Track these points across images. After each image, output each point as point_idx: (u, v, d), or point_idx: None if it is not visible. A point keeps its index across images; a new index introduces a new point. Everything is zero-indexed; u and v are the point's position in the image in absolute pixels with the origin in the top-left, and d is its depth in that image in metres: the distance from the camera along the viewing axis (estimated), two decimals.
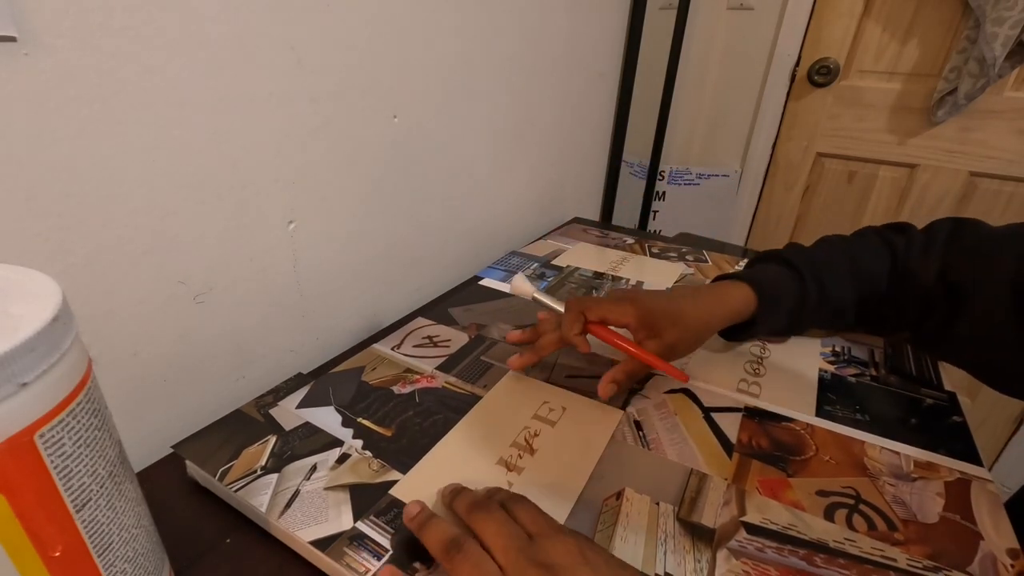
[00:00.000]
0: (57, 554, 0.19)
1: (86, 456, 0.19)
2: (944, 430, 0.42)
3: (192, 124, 0.36)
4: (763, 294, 0.46)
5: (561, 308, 0.44)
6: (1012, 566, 0.31)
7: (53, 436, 0.18)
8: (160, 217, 0.36)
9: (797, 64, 1.21)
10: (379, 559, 0.29)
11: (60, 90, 0.30)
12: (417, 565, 0.29)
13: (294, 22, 0.41)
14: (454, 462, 0.36)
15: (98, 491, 0.20)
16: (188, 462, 0.36)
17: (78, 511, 0.19)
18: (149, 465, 0.38)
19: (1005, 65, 0.98)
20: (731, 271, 0.49)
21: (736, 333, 0.48)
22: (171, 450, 0.36)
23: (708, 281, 0.52)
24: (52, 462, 0.18)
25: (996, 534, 0.33)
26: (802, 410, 0.43)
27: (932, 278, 0.44)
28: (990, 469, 1.31)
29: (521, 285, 0.48)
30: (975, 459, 0.39)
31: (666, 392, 0.45)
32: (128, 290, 0.36)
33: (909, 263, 0.45)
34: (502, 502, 0.30)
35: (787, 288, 0.47)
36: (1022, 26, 0.93)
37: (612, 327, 0.43)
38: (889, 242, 0.47)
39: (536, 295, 0.47)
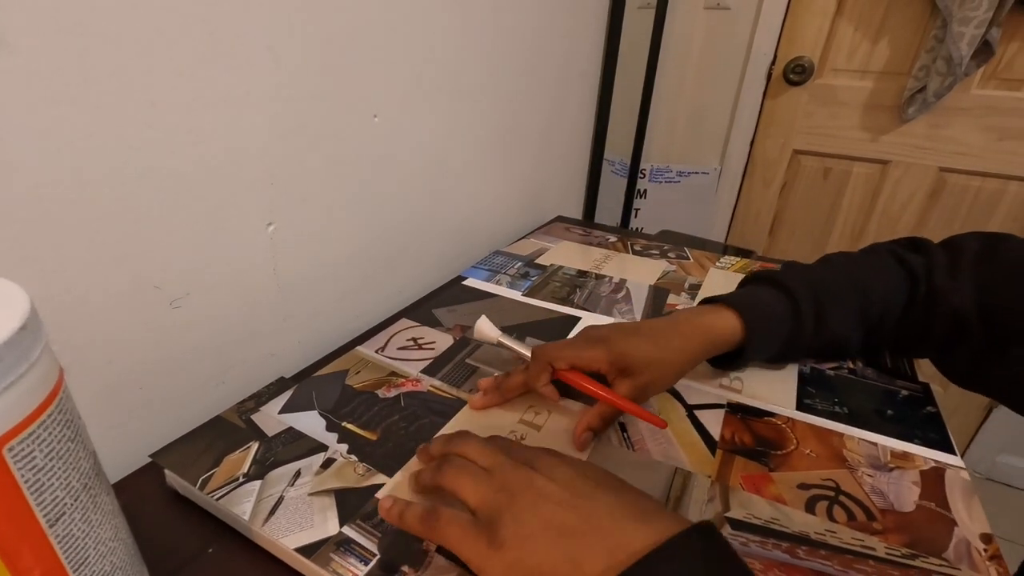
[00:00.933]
0: (30, 571, 0.18)
1: (59, 469, 0.19)
2: (919, 421, 0.43)
3: (166, 125, 0.35)
4: (751, 323, 0.42)
5: (527, 353, 0.42)
6: (985, 550, 0.32)
7: (23, 449, 0.17)
8: (133, 220, 0.35)
9: (773, 63, 1.23)
10: (366, 563, 0.29)
11: (27, 90, 0.29)
12: (405, 569, 0.29)
13: (271, 21, 0.40)
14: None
15: (72, 504, 0.19)
16: (167, 471, 0.35)
17: (51, 526, 0.18)
18: (126, 475, 0.37)
19: (971, 64, 1.01)
20: (719, 294, 0.45)
21: (723, 362, 0.45)
22: (149, 459, 0.36)
23: (690, 303, 0.52)
24: (22, 476, 0.17)
25: (970, 520, 0.34)
26: (783, 404, 0.44)
27: (967, 302, 0.40)
28: (962, 455, 1.36)
29: (485, 330, 0.45)
30: (949, 448, 0.40)
31: None
32: (101, 296, 0.35)
33: (934, 284, 0.42)
34: (457, 454, 0.31)
35: (779, 316, 0.43)
36: (987, 26, 0.96)
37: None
38: (904, 261, 0.44)
39: (501, 339, 0.44)
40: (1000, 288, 0.39)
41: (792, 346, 0.44)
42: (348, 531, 0.31)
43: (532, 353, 0.42)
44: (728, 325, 0.42)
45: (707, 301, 0.46)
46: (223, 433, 0.38)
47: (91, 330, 0.35)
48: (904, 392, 0.46)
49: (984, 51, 1.01)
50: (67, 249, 0.32)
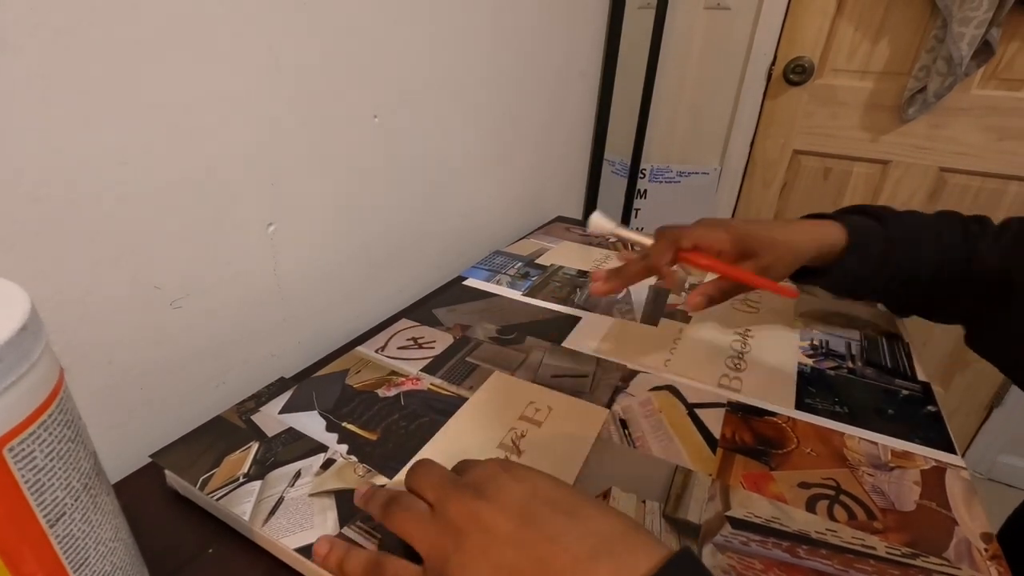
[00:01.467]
0: (31, 572, 0.18)
1: (59, 469, 0.19)
2: (919, 420, 0.43)
3: (166, 125, 0.35)
4: (853, 236, 0.45)
5: (648, 241, 0.44)
6: (986, 550, 0.32)
7: (23, 449, 0.17)
8: (133, 221, 0.35)
9: (773, 63, 1.23)
10: None
11: (26, 91, 0.29)
12: None
13: (271, 22, 0.40)
14: (441, 464, 0.36)
15: (72, 505, 0.19)
16: (167, 471, 0.35)
17: (51, 526, 0.19)
18: (127, 476, 0.37)
19: (971, 64, 1.01)
20: (817, 212, 0.48)
21: (810, 277, 0.48)
22: (149, 460, 0.36)
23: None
24: (23, 476, 0.17)
25: (970, 520, 0.34)
26: (783, 404, 0.44)
27: (993, 266, 0.43)
28: (963, 455, 1.36)
29: (600, 222, 0.46)
30: (949, 447, 0.40)
31: (651, 390, 0.45)
32: (100, 297, 0.35)
33: (977, 247, 0.45)
34: (408, 487, 0.28)
35: (875, 238, 0.45)
36: (987, 26, 0.96)
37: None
38: (966, 226, 0.47)
39: (618, 231, 0.45)
40: (1019, 258, 0.41)
41: (880, 270, 0.46)
42: (348, 532, 0.31)
43: (656, 233, 0.43)
44: (835, 233, 0.45)
45: (808, 217, 0.49)
46: (223, 433, 0.38)
47: (91, 330, 0.35)
48: (904, 392, 0.46)
49: (984, 51, 1.01)
50: (67, 249, 0.32)
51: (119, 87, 0.32)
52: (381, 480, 0.35)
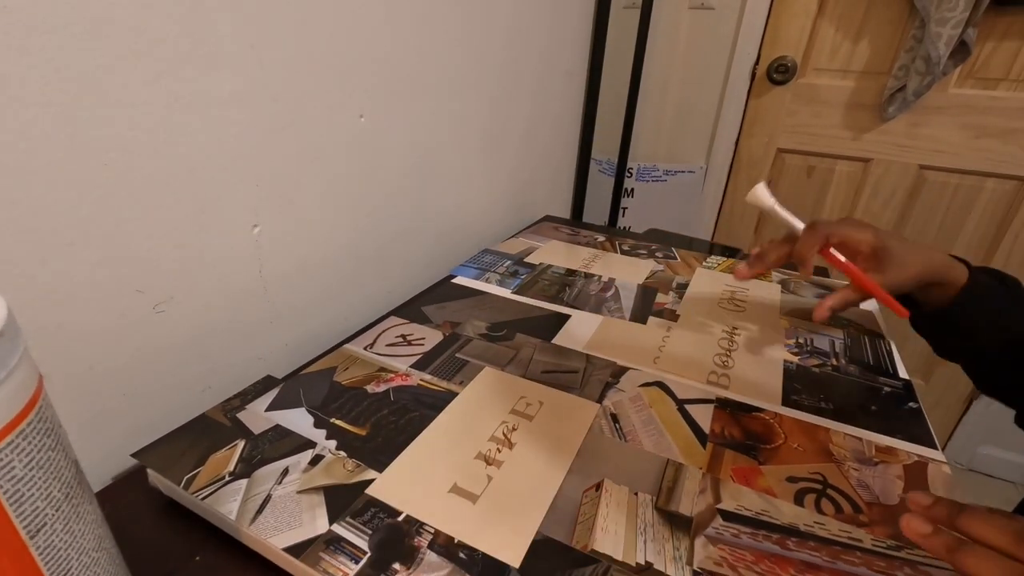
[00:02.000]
0: None
1: (39, 479, 0.18)
2: (902, 416, 0.43)
3: (146, 126, 0.35)
4: (974, 279, 0.44)
5: (800, 224, 0.47)
6: None
7: (1, 459, 0.17)
8: (114, 224, 0.35)
9: (757, 62, 1.24)
10: (357, 562, 0.29)
11: (1, 92, 0.28)
12: (396, 567, 0.29)
13: (254, 20, 0.39)
14: (432, 458, 0.36)
15: (54, 515, 0.19)
16: (150, 471, 0.34)
17: (32, 537, 0.18)
18: (110, 484, 0.36)
19: (949, 63, 1.03)
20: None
21: (921, 315, 0.48)
22: (133, 468, 0.35)
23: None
24: (1, 487, 0.17)
25: None
26: (770, 400, 0.44)
27: None
28: (944, 447, 1.38)
29: (762, 195, 0.49)
30: (930, 443, 0.41)
31: (641, 386, 0.45)
32: (81, 301, 0.34)
33: None
34: (975, 537, 0.27)
35: (996, 292, 0.44)
36: (963, 26, 0.98)
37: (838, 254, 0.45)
38: None
39: (777, 208, 0.48)
40: None
41: (993, 327, 0.44)
42: (338, 529, 0.31)
43: (809, 223, 0.46)
44: (958, 270, 0.45)
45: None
46: (208, 432, 0.37)
47: (72, 336, 0.34)
48: (887, 388, 0.47)
49: (961, 51, 1.03)
50: (46, 253, 0.32)
51: (98, 88, 0.32)
52: (371, 475, 0.34)
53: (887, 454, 0.39)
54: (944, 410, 1.40)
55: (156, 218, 0.37)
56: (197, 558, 0.31)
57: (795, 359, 0.50)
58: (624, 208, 1.33)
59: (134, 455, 0.35)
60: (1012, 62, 1.06)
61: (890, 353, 0.52)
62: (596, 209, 1.27)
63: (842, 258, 0.45)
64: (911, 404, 0.45)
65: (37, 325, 0.32)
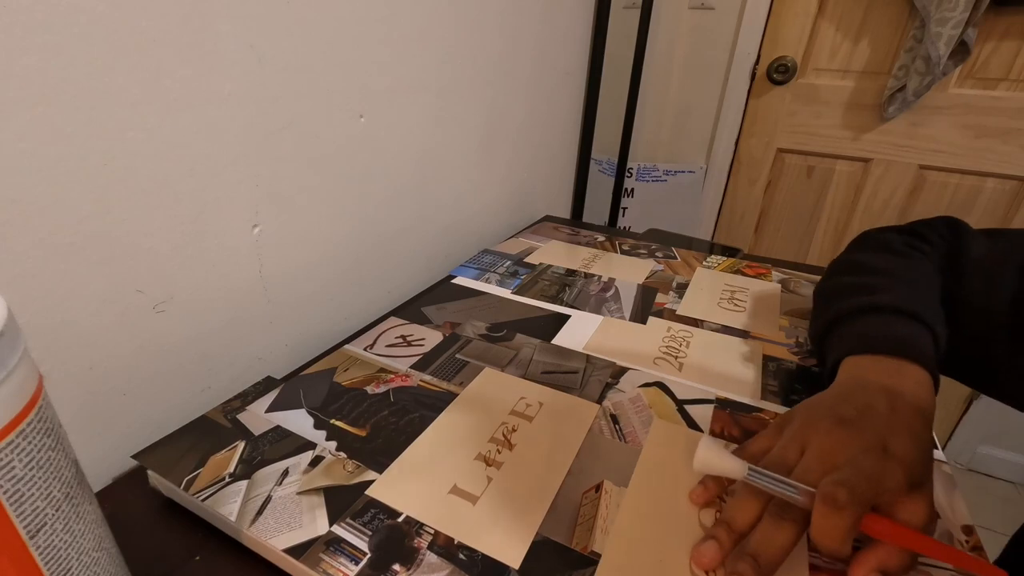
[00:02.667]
0: None
1: (39, 479, 0.18)
2: None
3: (146, 126, 0.35)
4: (933, 373, 0.35)
5: (811, 489, 0.28)
6: (967, 542, 0.32)
7: (1, 459, 0.17)
8: (114, 224, 0.35)
9: (757, 62, 1.24)
10: (357, 563, 0.29)
11: (0, 91, 0.28)
12: (396, 567, 0.29)
13: (253, 19, 0.39)
14: (432, 459, 0.36)
15: (54, 515, 0.19)
16: (150, 472, 0.34)
17: (32, 537, 0.18)
18: (110, 484, 0.36)
19: (949, 63, 1.04)
20: (868, 336, 0.38)
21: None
22: (133, 468, 0.35)
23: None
24: (1, 487, 0.17)
25: (952, 513, 0.34)
26: (770, 400, 0.44)
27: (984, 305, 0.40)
28: (944, 447, 1.38)
29: (710, 460, 0.32)
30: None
31: (640, 386, 0.45)
32: (81, 301, 0.34)
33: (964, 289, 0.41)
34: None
35: (931, 352, 0.36)
36: (963, 26, 0.99)
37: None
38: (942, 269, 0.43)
39: (750, 476, 0.30)
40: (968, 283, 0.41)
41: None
42: (338, 530, 0.31)
43: (835, 492, 0.26)
44: (927, 385, 0.34)
45: (892, 354, 0.36)
46: (208, 433, 0.37)
47: (71, 336, 0.34)
48: None
49: (961, 51, 1.03)
50: (46, 253, 0.32)
51: (98, 87, 0.32)
52: (371, 476, 0.34)
53: None
54: (944, 410, 1.40)
55: (156, 218, 0.37)
56: (197, 558, 0.31)
57: (795, 359, 0.50)
58: (624, 208, 1.34)
59: (134, 456, 0.35)
60: (1012, 62, 1.06)
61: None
62: (596, 209, 1.27)
63: (886, 527, 0.27)
64: None
65: (37, 325, 0.32)
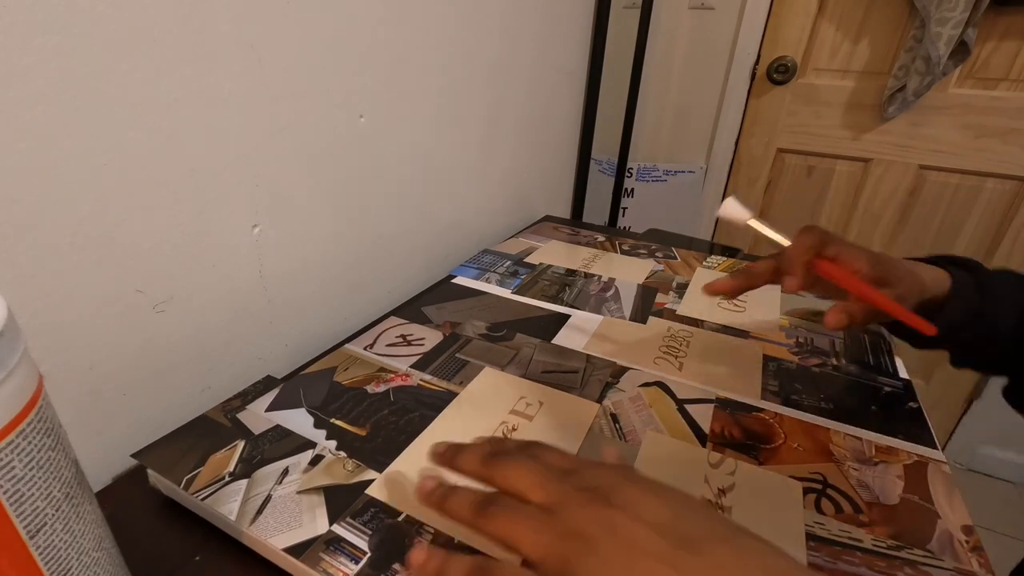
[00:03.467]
0: None
1: (39, 479, 0.18)
2: (902, 416, 0.43)
3: (146, 126, 0.35)
4: (956, 284, 0.43)
5: (784, 241, 0.40)
6: (967, 542, 0.32)
7: (2, 459, 0.17)
8: (114, 224, 0.35)
9: (757, 62, 1.24)
10: (357, 562, 0.29)
11: (1, 91, 0.28)
12: (396, 567, 0.29)
13: (253, 19, 0.39)
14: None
15: (54, 515, 0.19)
16: (150, 471, 0.34)
17: (32, 537, 0.18)
18: (110, 483, 0.36)
19: (949, 63, 1.03)
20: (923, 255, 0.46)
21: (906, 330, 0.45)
22: (133, 467, 0.35)
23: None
24: (1, 486, 0.17)
25: (952, 512, 0.34)
26: (770, 399, 0.44)
27: None
28: (944, 447, 1.38)
29: (733, 209, 0.42)
30: (930, 442, 0.41)
31: (640, 386, 0.45)
32: (81, 301, 0.34)
33: None
34: (502, 487, 0.25)
35: (971, 289, 0.43)
36: (963, 26, 0.98)
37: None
38: None
39: (752, 222, 0.41)
40: None
41: (973, 322, 0.43)
42: (338, 529, 0.31)
43: (802, 229, 0.39)
44: (941, 276, 0.43)
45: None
46: (208, 432, 0.37)
47: (72, 336, 0.34)
48: (887, 388, 0.47)
49: (961, 51, 1.03)
50: (45, 253, 0.32)
51: (98, 87, 0.32)
52: (371, 475, 0.34)
53: (887, 454, 0.39)
54: (944, 410, 1.40)
55: (156, 218, 0.37)
56: (197, 558, 0.31)
57: (795, 359, 0.50)
58: (624, 208, 1.34)
59: (134, 455, 0.35)
60: (1012, 62, 1.06)
61: (890, 353, 0.52)
62: (596, 209, 1.27)
63: (843, 273, 0.38)
64: (911, 404, 0.45)
65: (37, 325, 0.32)
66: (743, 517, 0.33)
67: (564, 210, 1.13)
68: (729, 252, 0.76)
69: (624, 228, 1.34)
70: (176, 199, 0.38)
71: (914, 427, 0.42)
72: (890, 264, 0.40)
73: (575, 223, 0.88)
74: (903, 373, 0.49)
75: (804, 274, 0.39)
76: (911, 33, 1.07)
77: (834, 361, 0.50)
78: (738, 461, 0.37)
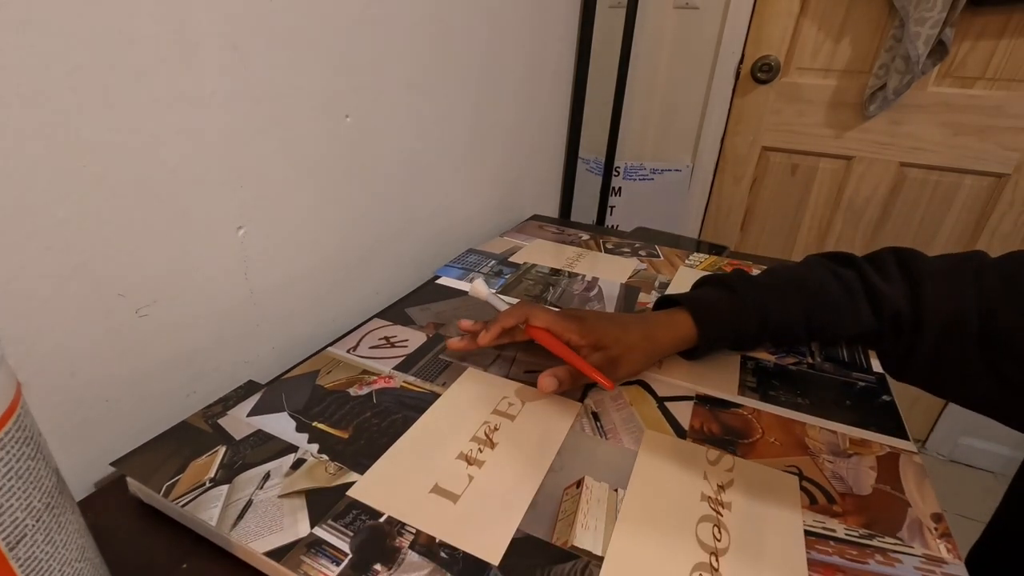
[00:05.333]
0: None
1: (18, 489, 0.18)
2: (875, 409, 0.45)
3: (126, 127, 0.35)
4: (702, 321, 0.46)
5: (504, 306, 0.47)
6: (936, 528, 0.34)
7: None
8: (93, 227, 0.34)
9: (741, 62, 1.26)
10: (338, 564, 0.29)
11: None
12: (378, 567, 0.29)
13: (235, 19, 0.39)
14: (414, 459, 0.37)
15: (34, 525, 0.19)
16: (129, 479, 0.34)
17: (11, 549, 0.18)
18: (93, 492, 0.36)
19: (927, 62, 1.05)
20: (673, 294, 0.50)
21: (691, 354, 0.49)
22: (116, 475, 0.35)
23: (651, 304, 0.56)
24: None
25: (922, 501, 0.36)
26: (747, 395, 0.45)
27: (903, 302, 0.44)
28: (926, 439, 1.40)
29: (480, 288, 0.49)
30: (902, 434, 0.42)
31: (621, 384, 0.46)
32: (60, 306, 0.34)
33: (877, 287, 0.45)
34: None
35: (724, 311, 0.47)
36: (941, 26, 1.00)
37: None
38: (838, 273, 0.47)
39: (489, 299, 0.49)
40: (927, 291, 0.43)
41: (741, 338, 0.48)
42: (319, 532, 0.31)
43: (516, 304, 0.47)
44: (685, 322, 0.47)
45: (663, 299, 0.51)
46: (188, 438, 0.37)
47: (51, 342, 0.34)
48: (861, 383, 0.48)
49: (939, 50, 1.05)
50: (23, 257, 0.31)
51: (76, 87, 0.31)
52: (353, 477, 0.35)
53: (861, 446, 0.40)
54: (926, 403, 1.42)
55: (138, 220, 0.37)
56: (184, 566, 0.31)
57: (772, 358, 0.51)
58: (612, 207, 1.34)
59: (113, 463, 0.35)
60: (988, 61, 1.08)
61: (864, 350, 0.53)
62: (584, 208, 1.28)
63: (545, 338, 0.44)
64: (884, 397, 0.46)
65: (15, 332, 0.32)
66: (743, 512, 0.34)
67: (552, 209, 1.14)
68: (716, 250, 0.77)
69: (612, 226, 1.35)
70: (158, 201, 0.38)
71: (887, 419, 0.43)
72: (604, 331, 0.44)
73: (562, 222, 0.89)
74: (877, 368, 0.50)
75: (497, 335, 0.44)
76: (891, 33, 1.09)
77: (810, 360, 0.51)
78: (735, 458, 0.38)
